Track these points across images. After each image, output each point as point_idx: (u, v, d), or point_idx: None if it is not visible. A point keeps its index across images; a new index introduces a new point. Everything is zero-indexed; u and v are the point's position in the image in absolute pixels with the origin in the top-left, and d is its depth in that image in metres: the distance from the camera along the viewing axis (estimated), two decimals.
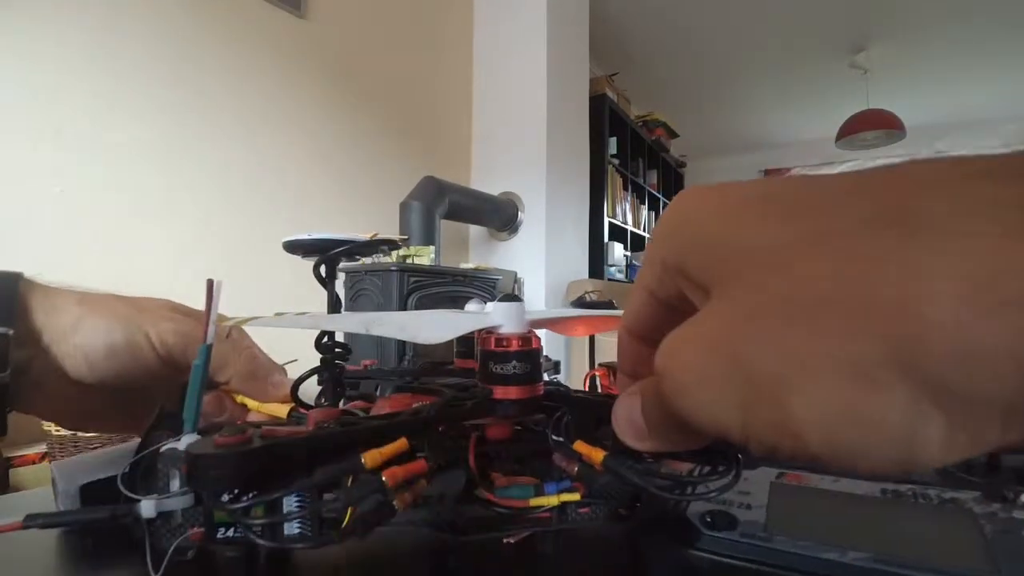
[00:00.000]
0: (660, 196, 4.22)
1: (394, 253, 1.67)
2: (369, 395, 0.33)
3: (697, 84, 4.07)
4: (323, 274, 0.28)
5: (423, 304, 1.58)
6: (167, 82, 1.43)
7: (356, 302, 1.62)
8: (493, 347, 0.23)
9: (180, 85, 1.46)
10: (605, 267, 2.95)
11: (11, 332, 0.24)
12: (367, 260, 1.66)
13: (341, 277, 1.66)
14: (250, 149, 1.64)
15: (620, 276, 3.13)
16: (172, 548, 0.23)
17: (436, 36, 2.37)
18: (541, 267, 2.35)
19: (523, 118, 2.42)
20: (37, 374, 0.26)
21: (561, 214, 2.49)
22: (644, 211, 3.85)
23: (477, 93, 2.56)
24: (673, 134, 4.41)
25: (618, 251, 3.11)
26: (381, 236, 0.28)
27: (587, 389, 0.30)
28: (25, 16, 1.18)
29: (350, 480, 0.17)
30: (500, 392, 0.23)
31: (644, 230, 3.79)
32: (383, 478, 0.17)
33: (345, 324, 0.22)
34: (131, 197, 1.36)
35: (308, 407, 0.28)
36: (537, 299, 2.34)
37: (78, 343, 0.26)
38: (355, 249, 0.27)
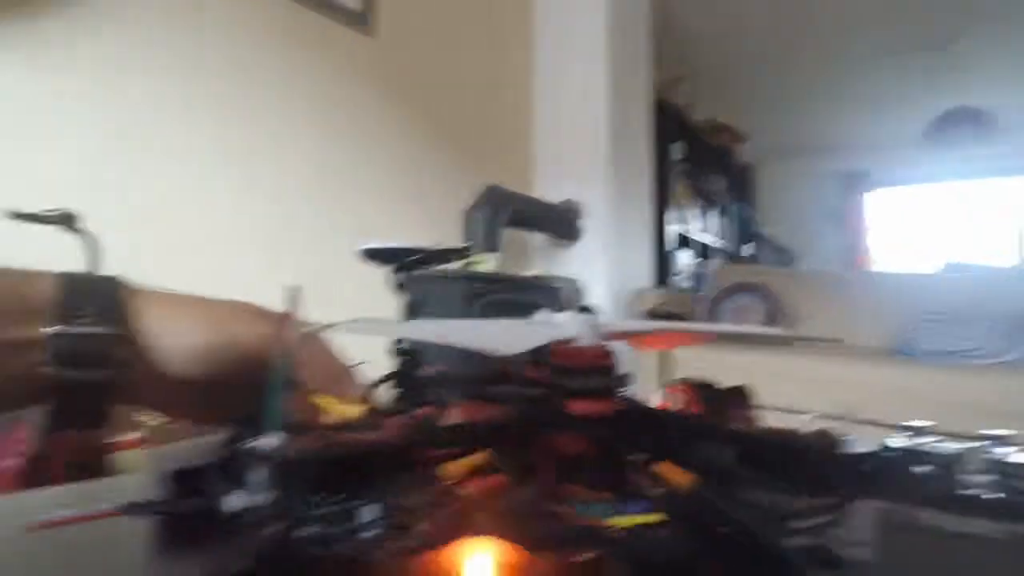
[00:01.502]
0: (729, 202, 4.06)
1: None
2: (439, 401, 0.33)
3: (769, 84, 3.89)
4: (399, 282, 0.28)
5: (486, 312, 1.59)
6: (232, 94, 1.52)
7: (418, 308, 1.66)
8: (568, 360, 0.22)
9: (245, 98, 1.55)
10: (671, 276, 2.86)
11: (113, 332, 0.26)
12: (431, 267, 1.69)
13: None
14: (314, 161, 1.72)
15: (687, 285, 3.02)
16: (256, 542, 0.24)
17: (495, 45, 2.41)
18: (604, 275, 2.31)
19: (585, 124, 2.41)
20: (139, 372, 0.28)
21: (625, 221, 2.44)
22: (712, 218, 3.71)
23: (538, 100, 2.57)
24: (742, 137, 4.23)
25: (685, 259, 3.01)
26: (451, 246, 0.28)
27: (665, 406, 0.29)
28: (113, 25, 1.29)
29: (429, 491, 0.17)
30: (574, 406, 0.22)
31: (712, 238, 3.65)
32: (462, 491, 0.16)
33: (421, 333, 0.22)
34: (197, 205, 1.45)
35: (383, 412, 0.29)
36: (600, 309, 2.30)
37: (170, 345, 0.28)
38: (429, 258, 0.27)
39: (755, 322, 2.21)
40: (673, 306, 2.04)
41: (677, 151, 3.07)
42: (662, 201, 2.82)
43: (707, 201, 3.68)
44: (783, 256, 5.08)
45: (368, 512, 0.18)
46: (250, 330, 0.30)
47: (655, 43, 2.73)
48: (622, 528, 0.22)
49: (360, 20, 1.81)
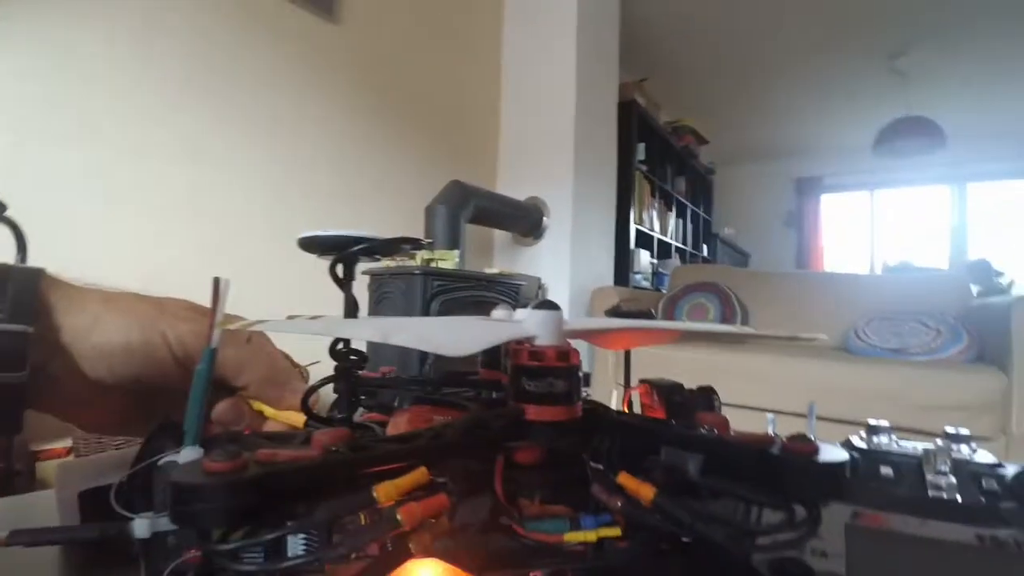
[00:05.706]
0: (688, 203, 4.14)
1: (418, 256, 1.66)
2: (387, 405, 0.31)
3: (729, 89, 3.99)
4: (340, 274, 0.26)
5: (446, 309, 1.56)
6: (195, 84, 1.45)
7: (380, 305, 1.61)
8: (527, 361, 0.20)
9: (207, 87, 1.48)
10: (631, 274, 2.89)
11: (30, 330, 0.23)
12: (390, 263, 1.65)
13: (364, 280, 1.65)
14: (275, 153, 1.65)
15: (646, 284, 3.07)
16: (168, 572, 0.21)
17: (465, 40, 2.37)
18: (566, 273, 2.32)
19: (551, 122, 2.40)
20: (55, 373, 0.25)
21: (587, 220, 2.45)
22: (672, 218, 3.78)
23: (505, 97, 2.55)
24: (703, 140, 4.33)
25: (644, 258, 3.05)
26: (399, 235, 0.25)
27: (626, 409, 0.27)
28: (63, 16, 1.21)
29: (362, 517, 0.14)
30: (533, 412, 0.20)
31: (671, 237, 3.71)
32: (398, 516, 0.14)
33: (362, 332, 0.19)
34: (158, 197, 1.38)
35: (320, 419, 0.26)
36: (561, 306, 2.30)
37: (96, 342, 0.25)
38: (374, 248, 0.25)
39: (711, 320, 2.26)
40: (633, 304, 2.05)
41: (641, 152, 3.11)
42: (624, 201, 2.85)
43: (668, 202, 3.74)
44: (739, 256, 5.24)
45: (295, 541, 0.16)
46: (183, 328, 0.27)
47: (622, 45, 2.75)
48: (578, 543, 0.21)
49: (324, 6, 1.74)
